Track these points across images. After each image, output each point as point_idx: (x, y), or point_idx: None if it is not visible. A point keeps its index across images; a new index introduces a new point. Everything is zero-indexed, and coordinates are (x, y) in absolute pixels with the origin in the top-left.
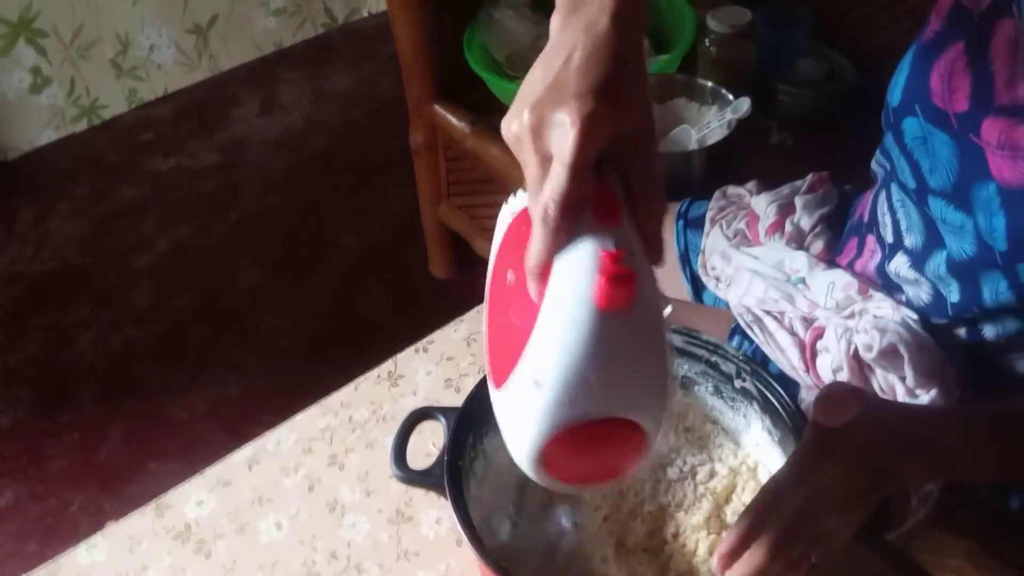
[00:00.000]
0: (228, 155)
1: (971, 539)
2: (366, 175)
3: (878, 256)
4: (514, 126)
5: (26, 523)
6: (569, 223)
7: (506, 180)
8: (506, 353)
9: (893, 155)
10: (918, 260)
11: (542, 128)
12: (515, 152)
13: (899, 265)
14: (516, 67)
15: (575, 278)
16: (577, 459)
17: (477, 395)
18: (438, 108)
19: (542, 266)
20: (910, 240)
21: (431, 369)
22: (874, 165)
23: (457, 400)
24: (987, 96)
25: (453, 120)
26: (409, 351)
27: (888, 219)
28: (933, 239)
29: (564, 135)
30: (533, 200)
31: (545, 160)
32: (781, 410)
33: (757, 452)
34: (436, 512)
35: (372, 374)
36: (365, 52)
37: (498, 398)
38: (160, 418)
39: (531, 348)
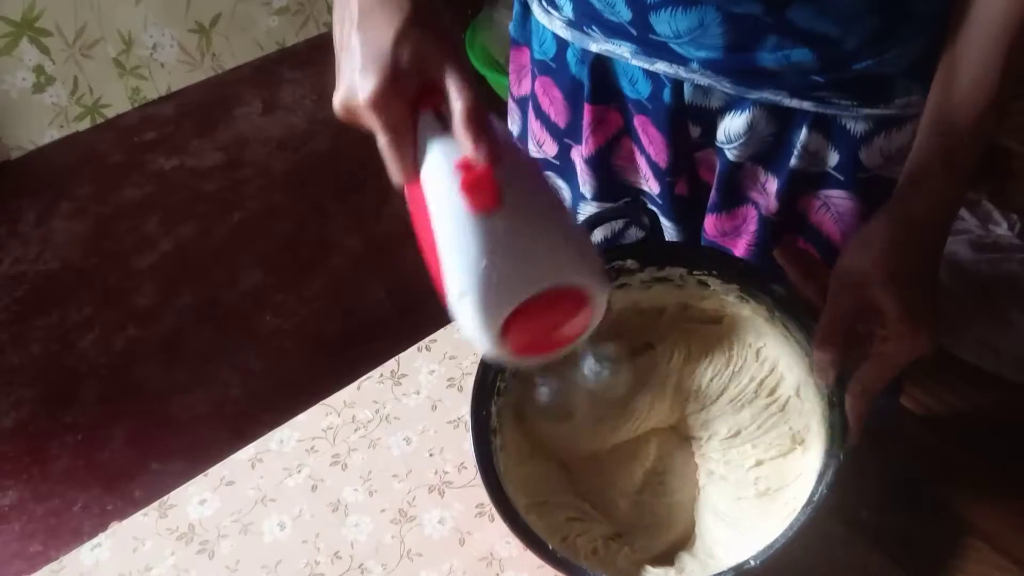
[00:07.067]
0: (231, 154)
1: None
2: (368, 174)
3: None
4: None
5: (29, 523)
6: (400, 148)
7: None
8: (435, 272)
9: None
10: (710, 119)
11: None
12: None
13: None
14: None
15: (444, 193)
16: (536, 333)
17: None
18: None
19: (403, 182)
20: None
21: (434, 368)
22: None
23: (459, 399)
24: None
25: None
26: (412, 350)
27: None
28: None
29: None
30: None
31: None
32: (737, 270)
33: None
34: (439, 512)
35: (375, 373)
36: None
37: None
38: (163, 418)
39: (443, 265)
